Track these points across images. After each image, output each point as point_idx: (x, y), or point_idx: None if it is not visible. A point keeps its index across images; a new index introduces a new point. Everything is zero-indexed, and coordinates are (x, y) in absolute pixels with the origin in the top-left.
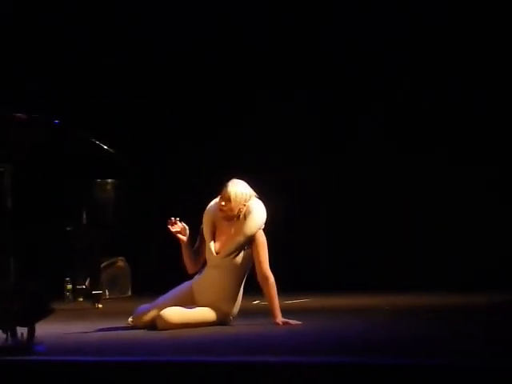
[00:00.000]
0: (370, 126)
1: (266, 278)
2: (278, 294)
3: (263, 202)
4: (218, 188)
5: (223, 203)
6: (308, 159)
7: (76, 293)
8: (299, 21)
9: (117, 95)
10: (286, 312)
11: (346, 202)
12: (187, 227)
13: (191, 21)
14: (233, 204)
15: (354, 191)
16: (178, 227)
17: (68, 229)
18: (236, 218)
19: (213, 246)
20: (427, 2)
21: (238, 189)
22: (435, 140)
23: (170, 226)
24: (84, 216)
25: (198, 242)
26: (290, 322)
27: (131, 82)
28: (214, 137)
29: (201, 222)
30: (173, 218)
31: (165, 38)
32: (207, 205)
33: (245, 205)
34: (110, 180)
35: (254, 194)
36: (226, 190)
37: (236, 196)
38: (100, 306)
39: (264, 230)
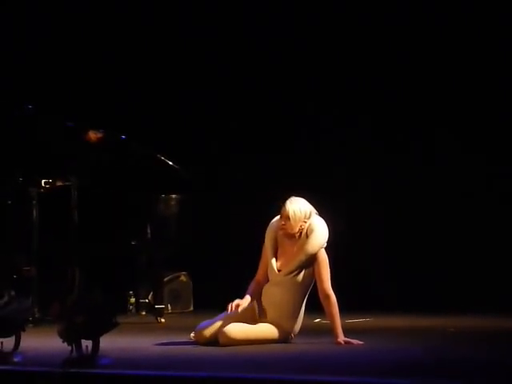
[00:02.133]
0: (433, 146)
1: (327, 297)
2: (339, 313)
3: (324, 219)
4: (280, 202)
5: (283, 222)
6: (369, 177)
7: (139, 306)
8: (364, 49)
9: (178, 110)
10: (348, 331)
11: (409, 222)
12: (246, 302)
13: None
14: (292, 222)
15: (418, 211)
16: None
17: (132, 243)
18: (298, 235)
19: (275, 264)
20: None
21: (297, 206)
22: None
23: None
24: (148, 231)
25: (261, 260)
26: (352, 341)
27: (193, 97)
28: (277, 151)
29: (262, 236)
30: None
31: (232, 56)
32: (269, 219)
33: (305, 221)
34: (174, 195)
35: (315, 210)
36: (285, 209)
37: (295, 214)
38: (163, 320)
39: (326, 248)
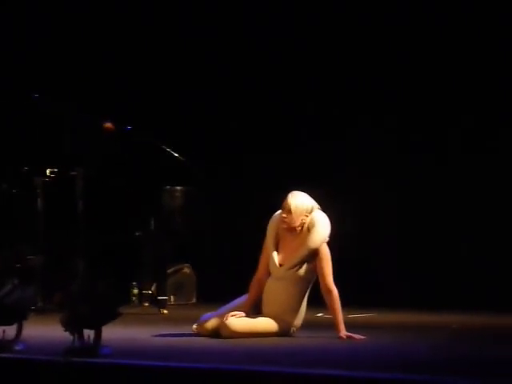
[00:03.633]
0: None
1: (329, 292)
2: (342, 307)
3: (327, 214)
4: (284, 199)
5: (284, 215)
6: (369, 177)
7: (142, 297)
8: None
9: (179, 109)
10: (350, 326)
11: (416, 215)
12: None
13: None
14: (293, 215)
15: (424, 205)
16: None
17: (137, 234)
18: (299, 229)
19: (276, 258)
20: None
21: (298, 200)
22: None
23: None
24: (153, 222)
25: (261, 257)
26: (354, 336)
27: (193, 97)
28: (284, 147)
29: (265, 231)
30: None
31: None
32: (272, 215)
33: (307, 216)
34: (179, 187)
35: (317, 205)
36: (286, 202)
37: (296, 207)
38: (165, 311)
39: (329, 242)
